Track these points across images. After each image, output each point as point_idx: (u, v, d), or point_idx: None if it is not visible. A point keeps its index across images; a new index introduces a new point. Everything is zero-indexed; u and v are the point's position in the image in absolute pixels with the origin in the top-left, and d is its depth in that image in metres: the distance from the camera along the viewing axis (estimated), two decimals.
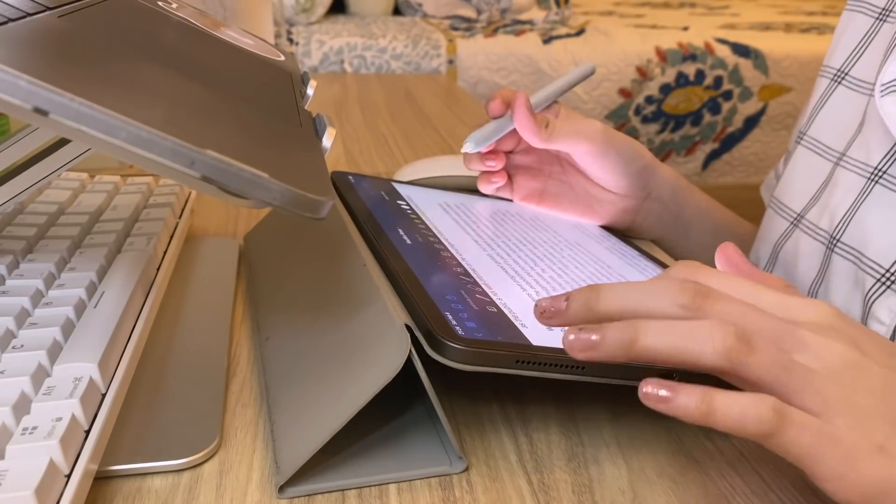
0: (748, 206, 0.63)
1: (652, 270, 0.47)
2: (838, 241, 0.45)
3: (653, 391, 0.26)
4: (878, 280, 0.42)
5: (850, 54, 0.51)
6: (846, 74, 0.51)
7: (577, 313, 0.29)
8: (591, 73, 0.58)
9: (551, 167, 0.56)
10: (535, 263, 0.43)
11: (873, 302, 0.42)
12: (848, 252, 0.44)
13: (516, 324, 0.34)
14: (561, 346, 0.33)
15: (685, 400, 0.26)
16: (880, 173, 0.43)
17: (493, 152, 0.53)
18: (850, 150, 0.47)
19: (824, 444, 0.26)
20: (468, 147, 0.51)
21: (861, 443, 0.27)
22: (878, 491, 0.26)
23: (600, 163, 0.53)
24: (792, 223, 0.51)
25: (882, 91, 0.43)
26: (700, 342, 0.27)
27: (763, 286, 0.31)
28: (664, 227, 0.57)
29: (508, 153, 0.55)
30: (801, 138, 0.54)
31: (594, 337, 0.28)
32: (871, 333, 0.30)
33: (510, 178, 0.55)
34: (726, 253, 0.34)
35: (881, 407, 0.27)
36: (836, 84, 0.51)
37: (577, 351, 0.28)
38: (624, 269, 0.46)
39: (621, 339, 0.27)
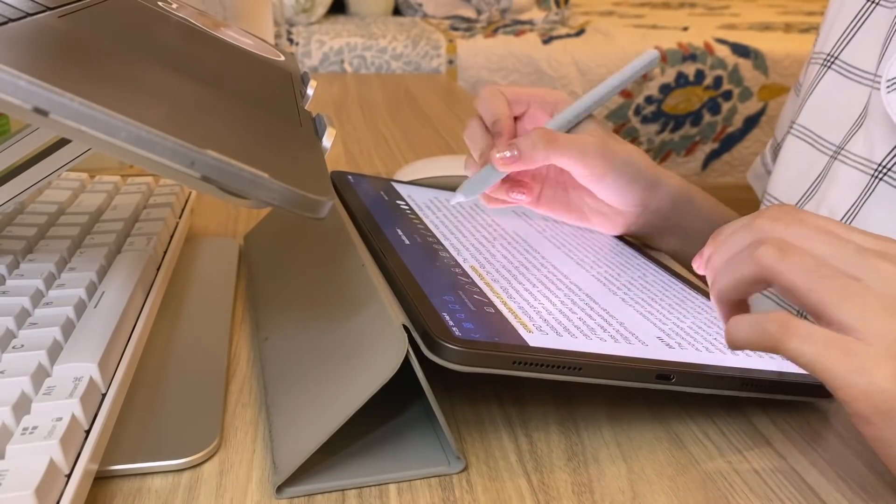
0: (748, 207, 0.63)
1: (660, 274, 0.47)
2: None
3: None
4: None
5: (840, 37, 0.50)
6: (836, 58, 0.50)
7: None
8: (653, 63, 0.50)
9: (548, 169, 0.53)
10: (532, 262, 0.43)
11: None
12: None
13: (514, 324, 0.34)
14: (559, 347, 0.33)
15: (726, 333, 0.31)
16: (884, 170, 0.42)
17: (518, 184, 0.49)
18: (850, 144, 0.46)
19: (832, 354, 0.28)
20: (459, 198, 0.47)
21: (887, 362, 0.27)
22: (891, 409, 0.27)
23: (597, 185, 0.49)
24: None
25: (889, 87, 0.42)
26: (742, 260, 0.31)
27: (866, 232, 0.32)
28: (661, 234, 0.55)
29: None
30: (792, 127, 0.53)
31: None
32: None
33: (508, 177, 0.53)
34: None
35: None
36: (826, 69, 0.50)
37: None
38: (625, 268, 0.46)
39: (710, 276, 0.33)
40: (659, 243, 0.56)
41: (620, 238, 0.53)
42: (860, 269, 0.29)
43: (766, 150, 0.64)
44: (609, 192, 0.50)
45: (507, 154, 0.46)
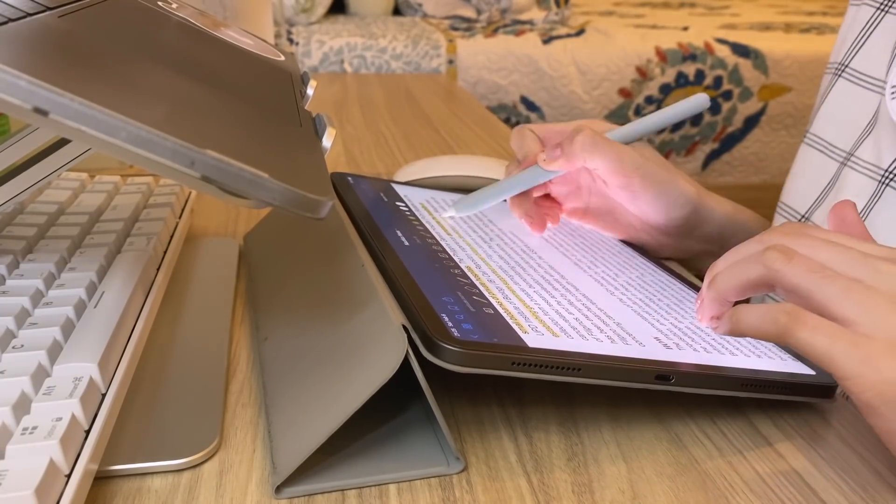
0: (748, 207, 0.63)
1: (658, 274, 0.47)
2: None
3: (712, 326, 0.36)
4: None
5: (851, 46, 0.50)
6: (846, 66, 0.50)
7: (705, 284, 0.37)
8: (703, 106, 0.50)
9: (591, 183, 0.52)
10: (529, 263, 0.43)
11: None
12: None
13: (512, 325, 0.34)
14: (557, 348, 0.33)
15: (724, 321, 0.33)
16: (892, 176, 0.43)
17: (540, 202, 0.50)
18: (859, 151, 0.46)
19: (841, 345, 0.29)
20: (450, 213, 0.48)
21: (892, 354, 0.29)
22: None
23: (629, 198, 0.49)
24: None
25: (893, 94, 0.43)
26: (748, 263, 0.33)
27: (869, 242, 0.34)
28: (707, 257, 0.54)
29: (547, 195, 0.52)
30: (805, 135, 0.53)
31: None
32: None
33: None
34: (841, 210, 0.36)
35: None
36: (837, 77, 0.51)
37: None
38: (623, 268, 0.46)
39: (707, 287, 0.36)
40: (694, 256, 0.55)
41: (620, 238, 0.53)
42: (862, 271, 0.31)
43: None
44: (643, 207, 0.49)
45: (552, 153, 0.47)
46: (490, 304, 0.35)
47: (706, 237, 0.52)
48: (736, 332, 0.32)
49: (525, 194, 0.49)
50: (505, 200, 0.49)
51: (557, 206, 0.52)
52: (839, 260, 0.32)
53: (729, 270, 0.34)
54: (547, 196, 0.53)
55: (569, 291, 0.40)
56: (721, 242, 0.53)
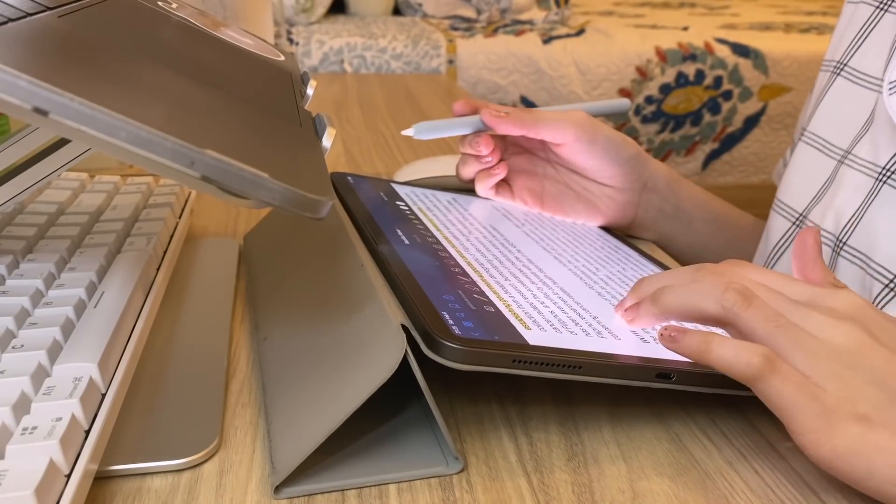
0: (748, 206, 0.63)
1: (646, 266, 0.47)
2: (845, 244, 0.44)
3: (666, 333, 0.33)
4: (886, 286, 0.42)
5: (850, 45, 0.50)
6: (845, 65, 0.50)
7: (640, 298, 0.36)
8: (625, 109, 0.59)
9: (545, 169, 0.55)
10: (530, 261, 0.43)
11: (881, 308, 0.42)
12: (855, 256, 0.44)
13: (514, 323, 0.34)
14: (558, 346, 0.33)
15: (689, 340, 0.32)
16: (888, 174, 0.43)
17: (489, 148, 0.52)
18: (857, 149, 0.46)
19: (805, 399, 0.29)
20: (409, 132, 0.51)
21: (842, 407, 0.29)
22: (849, 452, 0.29)
23: (590, 151, 0.52)
24: (794, 224, 0.51)
25: (890, 90, 0.43)
26: (705, 295, 0.32)
27: (797, 281, 0.34)
28: (666, 220, 0.56)
29: (500, 160, 0.54)
30: (803, 134, 0.53)
31: (634, 301, 0.36)
32: (893, 324, 0.32)
33: (508, 183, 0.55)
34: (804, 239, 0.36)
35: (877, 383, 0.30)
36: (836, 76, 0.51)
37: (619, 310, 0.37)
38: (620, 263, 0.46)
39: (651, 299, 0.35)
40: (669, 232, 0.57)
41: (620, 239, 0.53)
42: (795, 317, 0.31)
43: (788, 150, 0.64)
44: (603, 160, 0.52)
45: (497, 112, 0.50)
46: (491, 302, 0.35)
47: (656, 189, 0.55)
48: (698, 358, 0.32)
49: (481, 138, 0.52)
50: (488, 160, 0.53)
51: (503, 168, 0.54)
52: (783, 308, 0.32)
53: (679, 293, 0.34)
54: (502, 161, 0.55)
55: (546, 285, 0.40)
56: (671, 198, 0.56)
